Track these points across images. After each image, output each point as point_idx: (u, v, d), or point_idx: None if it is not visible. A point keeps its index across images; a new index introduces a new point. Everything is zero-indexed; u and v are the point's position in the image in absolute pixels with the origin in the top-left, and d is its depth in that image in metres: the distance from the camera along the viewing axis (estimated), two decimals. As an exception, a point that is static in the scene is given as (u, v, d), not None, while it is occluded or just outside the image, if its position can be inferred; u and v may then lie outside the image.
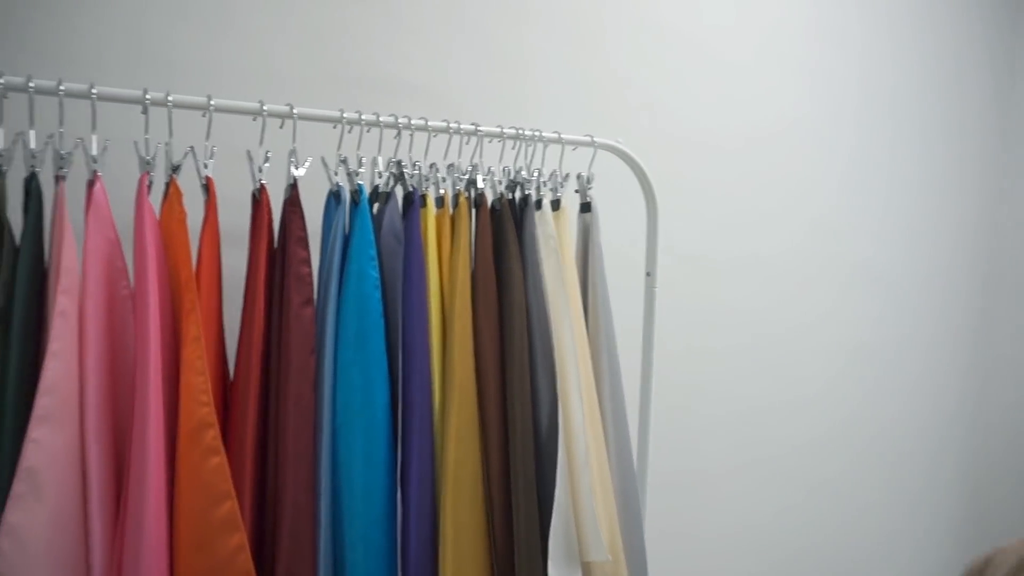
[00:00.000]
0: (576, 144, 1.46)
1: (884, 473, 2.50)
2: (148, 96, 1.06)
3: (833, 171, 2.26)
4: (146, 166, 1.07)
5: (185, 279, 1.04)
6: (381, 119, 1.24)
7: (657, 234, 1.59)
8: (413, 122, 1.26)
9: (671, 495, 1.94)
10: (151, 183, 1.06)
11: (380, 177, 1.26)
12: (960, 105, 2.54)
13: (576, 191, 1.49)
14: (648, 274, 1.60)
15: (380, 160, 1.26)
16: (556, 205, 1.43)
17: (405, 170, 1.28)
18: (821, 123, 2.22)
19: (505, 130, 1.36)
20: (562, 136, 1.42)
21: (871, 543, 2.47)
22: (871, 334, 2.40)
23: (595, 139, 1.47)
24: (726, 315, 2.10)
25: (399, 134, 1.27)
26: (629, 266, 1.65)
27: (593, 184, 1.49)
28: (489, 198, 1.35)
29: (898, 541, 2.56)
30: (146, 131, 1.06)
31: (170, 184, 1.08)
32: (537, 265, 1.35)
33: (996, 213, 2.67)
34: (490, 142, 1.36)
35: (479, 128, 1.33)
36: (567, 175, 1.45)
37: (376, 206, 1.26)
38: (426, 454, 1.21)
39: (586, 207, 1.49)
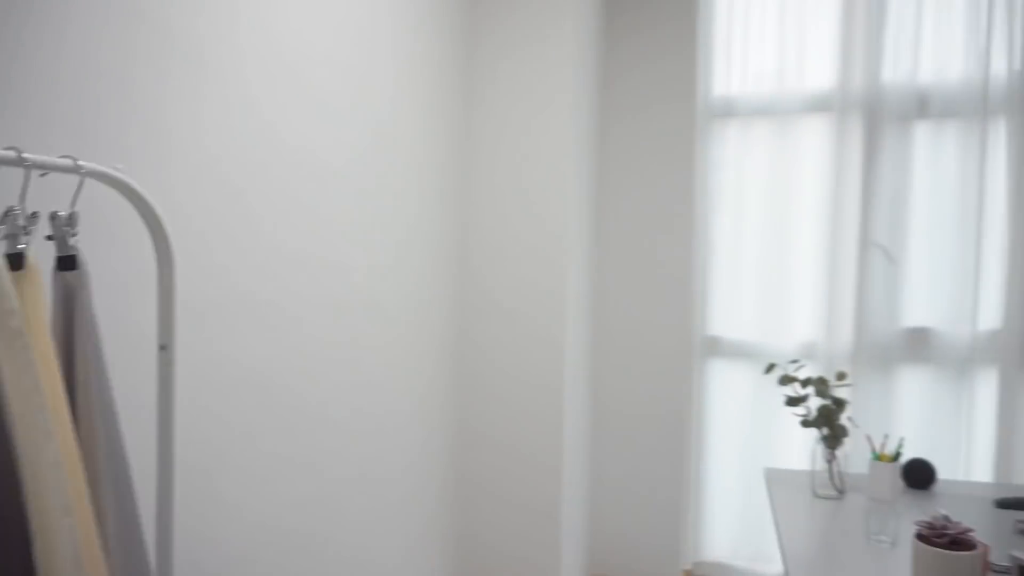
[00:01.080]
0: (49, 169, 0.98)
1: (403, 475, 2.50)
2: None
3: (341, 207, 2.12)
4: None
5: None
6: None
7: (173, 293, 1.20)
8: None
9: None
10: None
11: None
12: (440, 144, 2.71)
13: (50, 238, 1.01)
14: (163, 348, 1.20)
15: None
16: (18, 262, 0.94)
17: None
18: (330, 153, 2.06)
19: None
20: (24, 156, 0.93)
21: (396, 544, 2.44)
22: (371, 359, 2.35)
23: (80, 163, 1.01)
24: (233, 369, 1.77)
25: None
26: (137, 336, 1.21)
27: (79, 228, 1.03)
28: None
29: (417, 540, 2.59)
30: None
31: None
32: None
33: (463, 242, 2.96)
34: None
35: None
36: (35, 214, 0.97)
37: None
38: None
39: (68, 262, 1.02)
